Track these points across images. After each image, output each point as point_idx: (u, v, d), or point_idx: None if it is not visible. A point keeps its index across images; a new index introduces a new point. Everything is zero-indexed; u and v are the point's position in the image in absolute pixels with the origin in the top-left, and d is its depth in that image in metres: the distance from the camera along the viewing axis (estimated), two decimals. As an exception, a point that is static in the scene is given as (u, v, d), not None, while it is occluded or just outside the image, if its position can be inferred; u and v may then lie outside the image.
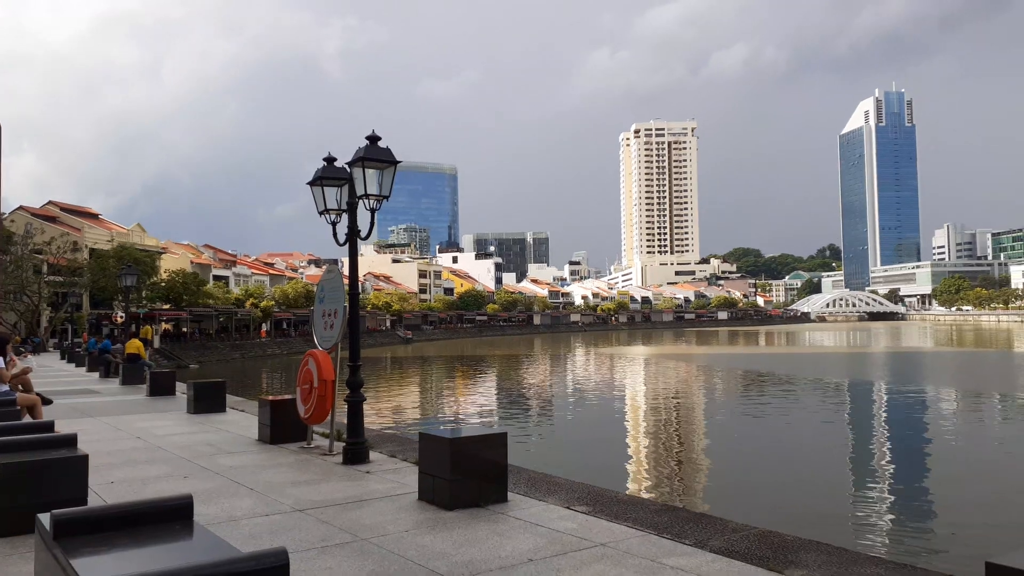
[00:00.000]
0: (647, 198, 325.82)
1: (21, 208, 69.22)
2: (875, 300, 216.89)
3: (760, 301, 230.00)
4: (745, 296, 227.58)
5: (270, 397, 11.16)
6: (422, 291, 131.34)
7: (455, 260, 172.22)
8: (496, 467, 7.04)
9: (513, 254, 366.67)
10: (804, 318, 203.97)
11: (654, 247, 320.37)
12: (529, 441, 20.61)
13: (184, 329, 69.04)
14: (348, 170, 9.05)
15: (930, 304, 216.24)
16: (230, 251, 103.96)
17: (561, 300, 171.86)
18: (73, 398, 18.17)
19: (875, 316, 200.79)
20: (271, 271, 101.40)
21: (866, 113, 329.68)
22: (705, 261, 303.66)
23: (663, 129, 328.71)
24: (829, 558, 5.41)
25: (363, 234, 9.27)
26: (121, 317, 49.17)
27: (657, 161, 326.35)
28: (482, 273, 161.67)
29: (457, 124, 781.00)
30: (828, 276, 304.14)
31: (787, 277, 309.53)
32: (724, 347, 78.56)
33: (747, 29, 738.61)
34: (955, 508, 12.75)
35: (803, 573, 5.08)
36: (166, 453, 10.15)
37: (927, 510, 12.96)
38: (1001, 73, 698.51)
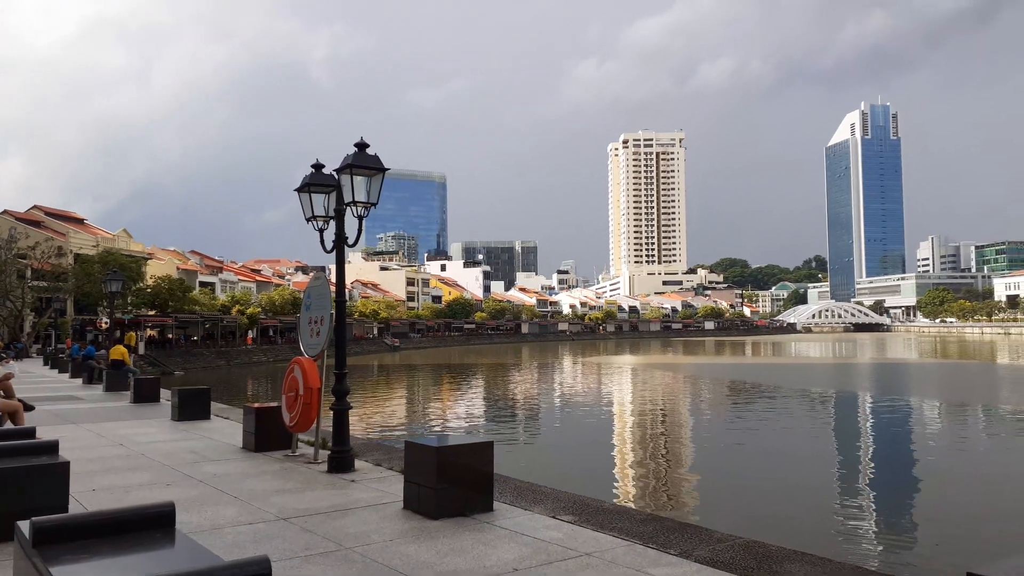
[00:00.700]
0: (635, 208, 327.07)
1: (5, 212, 68.58)
2: (860, 311, 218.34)
3: (747, 311, 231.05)
4: (732, 306, 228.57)
5: (255, 404, 11.09)
6: (410, 299, 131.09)
7: (443, 268, 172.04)
8: (482, 476, 7.03)
9: (501, 262, 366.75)
10: (790, 329, 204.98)
11: (642, 257, 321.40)
12: (516, 450, 20.57)
13: (169, 336, 68.55)
14: (336, 177, 9.05)
15: (915, 316, 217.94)
16: (217, 257, 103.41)
17: (549, 309, 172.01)
18: (56, 404, 17.99)
19: (860, 327, 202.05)
20: (258, 278, 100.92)
21: (852, 126, 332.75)
22: (692, 271, 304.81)
23: (651, 139, 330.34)
24: (813, 568, 5.43)
25: (351, 241, 9.26)
26: (106, 323, 48.78)
27: (645, 171, 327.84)
28: (470, 281, 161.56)
29: (446, 132, 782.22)
30: (814, 287, 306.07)
31: (773, 288, 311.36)
32: (711, 357, 78.81)
33: (733, 42, 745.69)
34: (939, 518, 12.81)
35: (787, 583, 5.09)
36: (149, 460, 10.06)
37: (911, 520, 13.02)
38: (984, 87, 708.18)
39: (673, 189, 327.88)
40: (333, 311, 9.54)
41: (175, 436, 12.44)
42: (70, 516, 3.98)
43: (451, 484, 6.79)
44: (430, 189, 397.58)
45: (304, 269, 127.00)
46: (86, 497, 7.65)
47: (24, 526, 3.45)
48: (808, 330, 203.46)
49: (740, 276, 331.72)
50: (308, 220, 9.64)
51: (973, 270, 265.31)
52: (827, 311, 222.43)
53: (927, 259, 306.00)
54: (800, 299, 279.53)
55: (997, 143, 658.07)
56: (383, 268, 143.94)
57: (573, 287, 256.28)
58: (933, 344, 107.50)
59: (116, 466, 9.60)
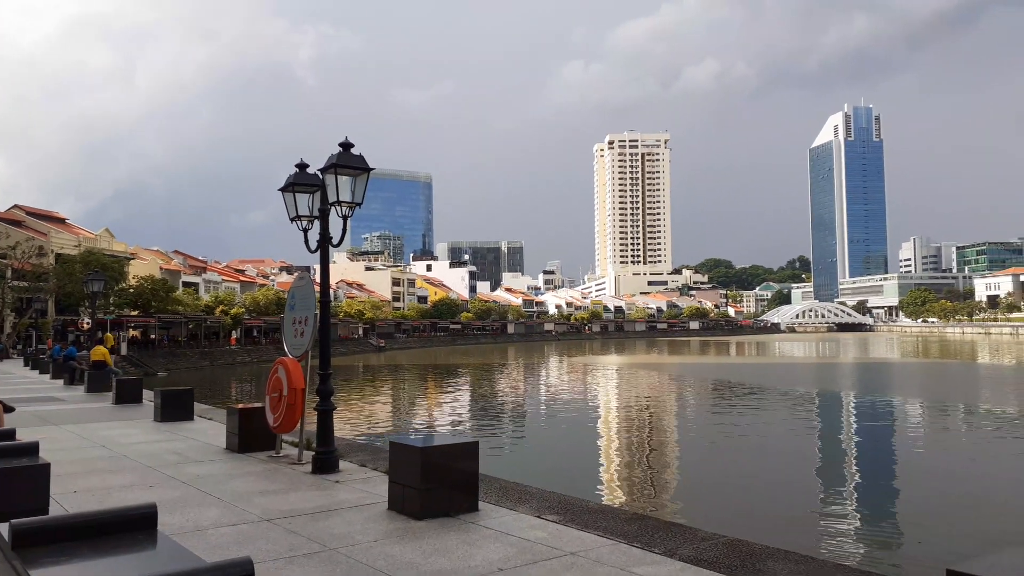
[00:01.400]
0: (620, 208, 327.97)
1: (-15, 212, 67.80)
2: (844, 311, 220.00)
3: (731, 311, 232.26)
4: (716, 306, 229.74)
5: (239, 405, 11.04)
6: (395, 299, 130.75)
7: (429, 268, 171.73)
8: (467, 476, 7.02)
9: (487, 263, 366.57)
10: (774, 329, 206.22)
11: (627, 257, 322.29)
12: (502, 450, 20.57)
13: (152, 336, 68.03)
14: (320, 177, 9.01)
15: (897, 316, 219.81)
16: (200, 257, 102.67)
17: (535, 309, 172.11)
18: (36, 405, 17.81)
19: (844, 327, 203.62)
20: (242, 278, 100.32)
21: (835, 128, 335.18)
22: (677, 272, 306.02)
23: (636, 140, 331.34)
24: (797, 566, 5.46)
25: (335, 241, 9.23)
26: (87, 323, 48.31)
27: (630, 172, 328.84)
28: (456, 281, 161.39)
29: (432, 133, 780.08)
30: (798, 287, 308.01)
31: (758, 288, 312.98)
32: (696, 357, 79.16)
33: (717, 45, 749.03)
34: (922, 516, 12.94)
35: (770, 581, 5.13)
36: (131, 462, 9.98)
37: (894, 518, 13.14)
38: (965, 90, 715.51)
39: (658, 190, 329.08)
40: (317, 311, 9.50)
41: (158, 437, 12.35)
42: (50, 518, 3.94)
43: (436, 484, 6.79)
44: (416, 189, 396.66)
45: (289, 269, 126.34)
46: (67, 499, 7.57)
47: (3, 528, 3.41)
48: (792, 330, 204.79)
49: (725, 276, 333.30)
50: (292, 220, 9.60)
51: (954, 270, 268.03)
52: (811, 311, 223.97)
53: (909, 260, 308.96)
54: (784, 299, 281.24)
55: (977, 145, 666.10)
56: (368, 268, 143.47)
57: (559, 287, 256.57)
58: (915, 344, 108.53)
59: (98, 468, 9.51)
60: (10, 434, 7.40)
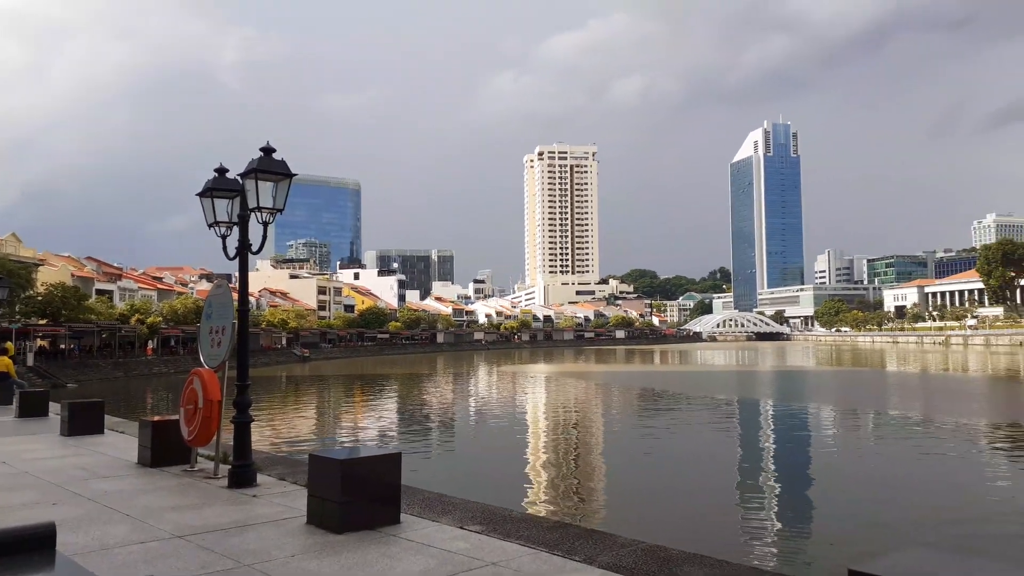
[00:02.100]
0: (550, 219, 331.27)
1: None
2: (762, 321, 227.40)
3: (655, 321, 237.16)
4: (641, 316, 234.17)
5: (152, 418, 10.62)
6: (321, 308, 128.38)
7: (357, 276, 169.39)
8: (389, 488, 6.94)
9: (417, 271, 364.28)
10: (696, 337, 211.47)
11: (556, 267, 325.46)
12: (428, 461, 20.43)
13: (62, 346, 64.87)
14: (240, 182, 8.80)
15: (812, 325, 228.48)
16: (116, 264, 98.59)
17: (465, 318, 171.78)
18: (-71, 420, 16.72)
19: (762, 336, 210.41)
20: (159, 286, 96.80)
21: (755, 143, 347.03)
22: (604, 282, 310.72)
23: (566, 152, 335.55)
24: (711, 571, 5.60)
25: (255, 248, 9.03)
26: (-11, 333, 45.71)
27: (560, 183, 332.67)
28: (385, 290, 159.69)
29: (361, 140, 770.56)
30: (719, 298, 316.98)
31: (681, 298, 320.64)
32: (621, 365, 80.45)
33: (644, 61, 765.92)
34: (835, 518, 13.45)
35: (686, 586, 5.23)
36: (33, 479, 9.48)
37: (809, 521, 13.62)
38: (874, 110, 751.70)
39: (587, 201, 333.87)
40: (236, 320, 9.24)
41: (64, 452, 11.77)
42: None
43: (357, 497, 6.68)
44: (344, 196, 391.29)
45: (209, 277, 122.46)
46: (-40, 520, 7.13)
47: None
48: (713, 339, 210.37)
49: (649, 286, 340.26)
50: (210, 226, 9.34)
51: (865, 282, 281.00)
52: (731, 321, 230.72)
53: (824, 272, 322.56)
54: (706, 309, 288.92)
55: (886, 162, 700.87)
56: (293, 276, 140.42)
57: (489, 296, 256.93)
58: (829, 352, 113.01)
59: (-4, 486, 9.00)
60: None
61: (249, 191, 8.57)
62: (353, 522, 6.64)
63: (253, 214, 8.68)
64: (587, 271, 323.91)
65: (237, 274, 9.37)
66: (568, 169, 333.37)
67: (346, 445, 23.33)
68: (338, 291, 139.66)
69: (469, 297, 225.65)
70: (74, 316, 62.75)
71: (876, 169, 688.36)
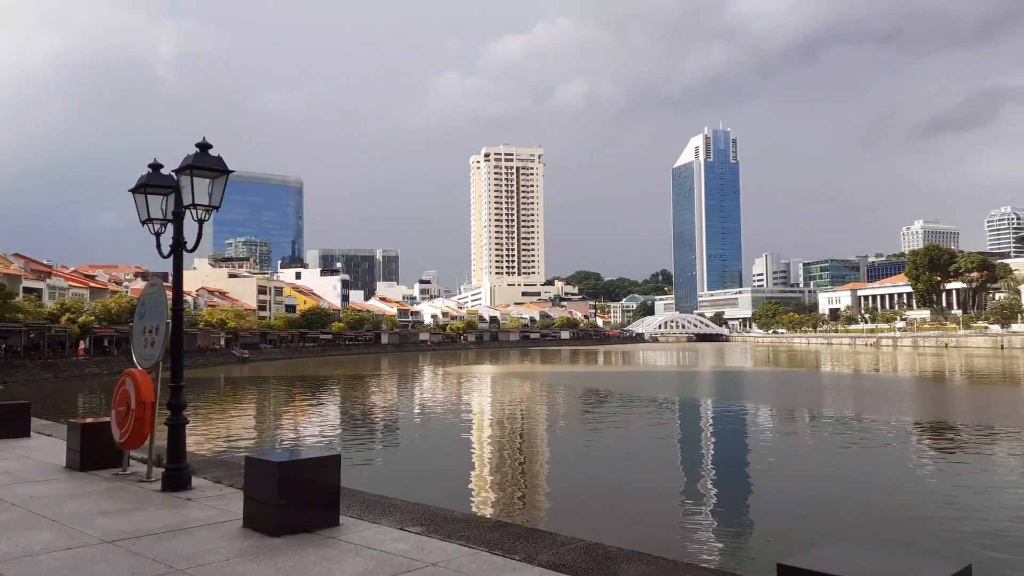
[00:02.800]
0: (496, 220, 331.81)
1: None
2: (702, 322, 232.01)
3: (600, 322, 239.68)
4: (586, 317, 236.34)
5: (81, 420, 10.27)
6: (261, 308, 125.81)
7: (298, 276, 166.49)
8: (328, 490, 6.86)
9: (362, 271, 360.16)
10: (639, 338, 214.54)
11: (503, 268, 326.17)
12: (372, 463, 20.24)
13: (-15, 346, 62.08)
14: (175, 178, 8.58)
15: (750, 327, 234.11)
16: (45, 261, 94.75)
17: (411, 319, 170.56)
18: None
19: (702, 337, 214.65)
20: (92, 284, 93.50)
21: (696, 149, 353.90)
22: (550, 283, 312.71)
23: (512, 154, 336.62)
24: (649, 568, 5.69)
25: (190, 246, 8.82)
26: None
27: (506, 185, 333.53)
28: (328, 290, 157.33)
29: (303, 137, 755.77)
30: (661, 299, 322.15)
31: (624, 300, 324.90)
32: (566, 366, 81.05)
33: (588, 66, 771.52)
34: (772, 515, 13.80)
35: (624, 582, 5.31)
36: (-48, 485, 9.05)
37: (747, 517, 13.95)
38: (810, 118, 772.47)
39: (532, 203, 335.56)
40: (170, 320, 9.00)
41: (-15, 457, 11.27)
42: None
43: (294, 500, 6.58)
44: (285, 194, 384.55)
45: (145, 275, 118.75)
46: None
47: None
48: (655, 340, 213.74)
49: (594, 288, 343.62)
50: (144, 223, 9.08)
51: (801, 285, 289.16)
52: (672, 322, 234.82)
53: (761, 275, 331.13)
54: (648, 311, 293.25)
55: (821, 168, 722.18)
56: (232, 275, 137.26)
57: (435, 297, 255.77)
58: (766, 353, 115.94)
59: (-90, 492, 8.57)
60: None
61: (184, 187, 8.37)
62: (291, 525, 6.54)
63: (188, 211, 8.48)
64: (533, 272, 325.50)
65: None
66: (514, 171, 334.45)
67: (284, 447, 22.94)
68: (279, 291, 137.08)
69: (415, 298, 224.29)
70: (-1, 315, 60.19)
71: (811, 176, 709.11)
